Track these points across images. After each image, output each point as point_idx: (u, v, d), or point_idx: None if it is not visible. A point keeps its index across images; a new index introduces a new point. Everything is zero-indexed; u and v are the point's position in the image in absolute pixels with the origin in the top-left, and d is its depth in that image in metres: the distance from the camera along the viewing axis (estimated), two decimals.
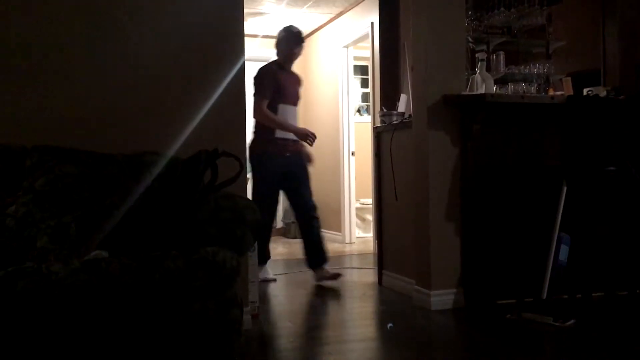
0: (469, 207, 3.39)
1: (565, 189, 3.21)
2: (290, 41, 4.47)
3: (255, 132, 4.31)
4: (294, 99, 4.40)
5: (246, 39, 3.11)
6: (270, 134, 4.26)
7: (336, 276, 4.25)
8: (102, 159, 2.35)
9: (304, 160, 4.40)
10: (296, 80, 4.54)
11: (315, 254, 4.31)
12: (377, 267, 4.25)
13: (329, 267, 4.30)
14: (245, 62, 3.02)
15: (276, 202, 4.42)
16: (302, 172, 4.36)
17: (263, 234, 4.24)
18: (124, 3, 2.81)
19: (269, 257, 4.45)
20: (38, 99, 2.66)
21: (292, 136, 4.28)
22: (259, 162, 4.27)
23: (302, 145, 4.39)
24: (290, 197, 4.41)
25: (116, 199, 2.19)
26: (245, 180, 3.11)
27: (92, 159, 2.33)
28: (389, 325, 3.15)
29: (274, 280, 4.36)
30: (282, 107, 4.28)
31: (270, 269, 4.47)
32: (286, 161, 4.27)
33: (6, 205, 2.13)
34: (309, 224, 4.33)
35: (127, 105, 2.80)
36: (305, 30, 7.47)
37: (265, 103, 4.24)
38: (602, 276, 3.56)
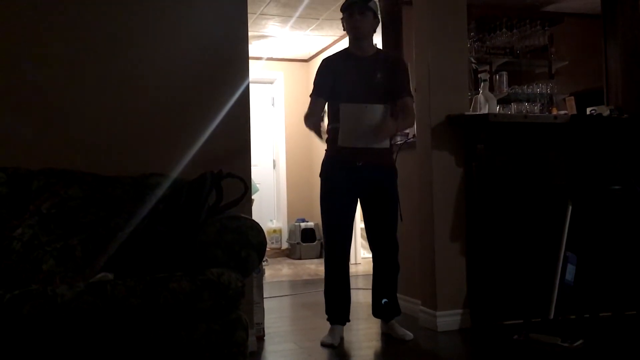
0: (474, 227, 3.39)
1: (570, 207, 3.20)
2: (342, 13, 3.16)
3: (327, 141, 3.24)
4: (364, 94, 3.06)
5: (250, 62, 3.14)
6: (334, 141, 3.14)
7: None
8: (107, 181, 2.37)
9: (387, 176, 3.17)
10: (374, 66, 3.14)
11: (380, 304, 3.25)
12: None
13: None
14: (250, 84, 3.04)
15: (345, 230, 3.17)
16: (381, 193, 3.15)
17: (335, 275, 3.18)
18: (130, 27, 2.84)
19: (347, 318, 3.22)
20: (45, 122, 2.68)
21: (374, 142, 3.06)
22: (323, 177, 3.23)
23: (390, 157, 3.21)
24: (365, 226, 3.34)
25: (121, 221, 2.20)
26: (250, 201, 3.12)
27: (98, 182, 2.35)
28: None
29: (335, 347, 3.05)
30: (343, 108, 3.07)
31: (338, 335, 3.14)
32: (358, 174, 3.09)
33: (13, 228, 2.15)
34: (379, 266, 3.26)
35: (131, 128, 2.82)
36: (309, 53, 7.55)
37: (316, 102, 3.16)
38: (610, 296, 3.53)
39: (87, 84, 2.76)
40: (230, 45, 3.00)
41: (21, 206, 2.23)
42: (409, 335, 3.16)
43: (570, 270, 3.19)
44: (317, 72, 3.22)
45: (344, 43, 6.94)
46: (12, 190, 2.30)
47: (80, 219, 2.20)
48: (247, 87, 3.01)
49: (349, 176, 3.10)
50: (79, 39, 2.76)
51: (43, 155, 2.57)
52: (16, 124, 2.62)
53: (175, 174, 2.62)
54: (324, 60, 3.24)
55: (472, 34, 4.90)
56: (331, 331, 3.14)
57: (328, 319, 3.20)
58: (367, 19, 3.10)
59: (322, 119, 3.21)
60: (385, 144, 3.14)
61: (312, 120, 3.15)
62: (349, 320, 3.24)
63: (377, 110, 3.07)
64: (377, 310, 3.29)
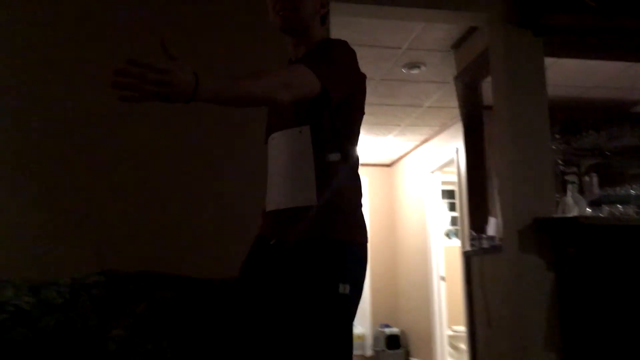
0: (570, 336, 3.19)
1: None
2: None
3: None
4: (274, 123, 1.77)
5: None
6: None
7: None
8: (199, 283, 2.47)
9: (306, 265, 1.58)
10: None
11: None
12: None
13: None
14: None
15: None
16: (292, 300, 1.59)
17: None
18: (182, 123, 3.03)
19: None
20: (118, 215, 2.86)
21: (284, 197, 1.69)
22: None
23: (324, 221, 1.60)
24: None
25: (210, 322, 2.25)
26: None
27: (189, 284, 2.45)
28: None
29: None
30: (268, 143, 1.79)
31: None
32: (274, 262, 1.68)
33: (110, 329, 2.26)
34: None
35: (211, 229, 2.93)
36: (392, 157, 7.70)
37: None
38: None
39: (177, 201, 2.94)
40: None
41: (118, 308, 2.35)
42: None
43: None
44: None
45: (426, 147, 7.09)
46: (109, 292, 2.43)
47: (171, 321, 2.28)
48: None
49: (264, 266, 1.72)
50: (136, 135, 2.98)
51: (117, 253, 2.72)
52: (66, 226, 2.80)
53: None
54: None
55: (556, 135, 4.86)
56: None
57: None
58: None
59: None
60: (306, 197, 1.63)
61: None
62: None
63: (285, 140, 1.70)
64: None
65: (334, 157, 1.66)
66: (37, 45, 2.93)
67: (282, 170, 1.69)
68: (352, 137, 1.73)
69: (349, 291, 1.56)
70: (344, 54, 1.68)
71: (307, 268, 1.56)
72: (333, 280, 1.55)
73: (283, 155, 1.69)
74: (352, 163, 1.71)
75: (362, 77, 1.74)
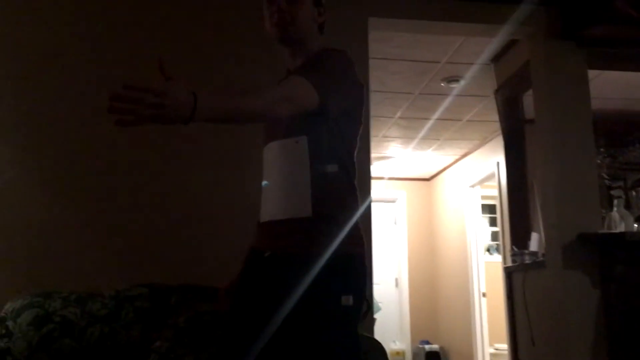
0: (618, 355, 3.09)
1: None
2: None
3: None
4: (272, 131, 1.72)
5: (372, 181, 3.24)
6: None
7: None
8: None
9: (308, 282, 1.51)
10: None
11: None
12: None
13: None
14: (372, 203, 3.12)
15: None
16: (292, 318, 1.52)
17: None
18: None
19: None
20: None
21: (288, 210, 1.63)
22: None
23: (322, 235, 1.57)
24: None
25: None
26: (373, 320, 3.10)
27: None
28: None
29: None
30: (264, 151, 1.77)
31: None
32: (268, 275, 1.64)
33: (152, 341, 2.30)
34: None
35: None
36: (431, 171, 7.64)
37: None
38: None
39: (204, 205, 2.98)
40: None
41: (160, 319, 2.39)
42: None
43: None
44: None
45: (466, 161, 7.01)
46: (153, 304, 2.48)
47: (212, 333, 2.31)
48: (369, 206, 3.09)
49: (259, 279, 1.67)
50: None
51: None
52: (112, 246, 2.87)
53: None
54: None
55: (601, 149, 4.75)
56: None
57: None
58: (301, 6, 1.70)
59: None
60: (301, 209, 1.60)
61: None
62: None
63: (282, 151, 1.68)
64: None
65: (331, 168, 1.65)
66: (66, 64, 3.05)
67: (277, 181, 1.67)
68: (350, 148, 1.73)
69: (351, 302, 1.54)
70: (342, 64, 1.67)
71: (307, 282, 1.51)
72: (335, 293, 1.54)
73: (279, 166, 1.68)
74: (350, 174, 1.71)
75: (360, 88, 1.72)
